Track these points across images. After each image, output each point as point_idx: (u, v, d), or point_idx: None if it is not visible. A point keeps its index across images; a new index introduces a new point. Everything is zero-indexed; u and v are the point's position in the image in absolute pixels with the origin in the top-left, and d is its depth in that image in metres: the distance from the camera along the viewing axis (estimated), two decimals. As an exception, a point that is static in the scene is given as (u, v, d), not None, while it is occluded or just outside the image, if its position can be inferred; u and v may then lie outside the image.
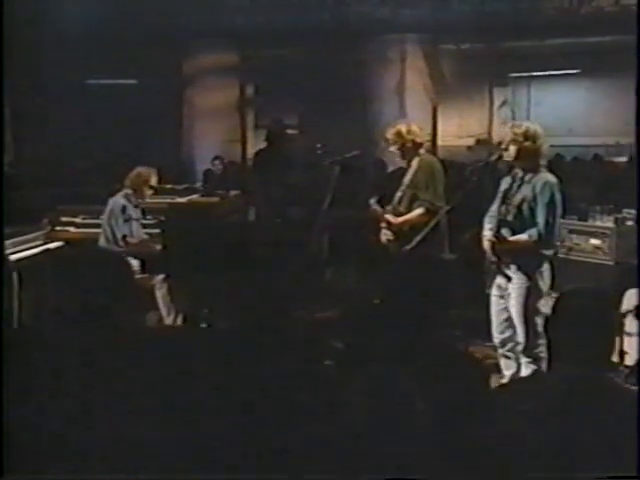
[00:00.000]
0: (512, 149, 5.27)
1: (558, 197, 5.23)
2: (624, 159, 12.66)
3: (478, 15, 13.01)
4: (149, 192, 7.30)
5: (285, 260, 7.10)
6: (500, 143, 5.40)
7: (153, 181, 7.27)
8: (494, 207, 5.47)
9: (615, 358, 5.80)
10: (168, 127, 13.63)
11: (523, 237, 5.19)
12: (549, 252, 5.25)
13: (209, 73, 13.54)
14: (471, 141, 14.73)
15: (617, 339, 5.86)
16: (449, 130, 14.43)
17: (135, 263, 7.06)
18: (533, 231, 5.17)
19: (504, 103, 15.02)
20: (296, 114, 13.94)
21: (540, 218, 5.19)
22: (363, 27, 13.10)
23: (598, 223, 6.64)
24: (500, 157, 5.37)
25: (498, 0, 13.07)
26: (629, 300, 5.92)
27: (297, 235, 6.80)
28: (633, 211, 6.65)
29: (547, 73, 14.42)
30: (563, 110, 12.53)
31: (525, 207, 5.23)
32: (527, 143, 5.25)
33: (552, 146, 8.43)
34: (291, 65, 13.69)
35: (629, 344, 5.85)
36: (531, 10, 12.94)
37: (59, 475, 2.59)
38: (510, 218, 5.24)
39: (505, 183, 5.41)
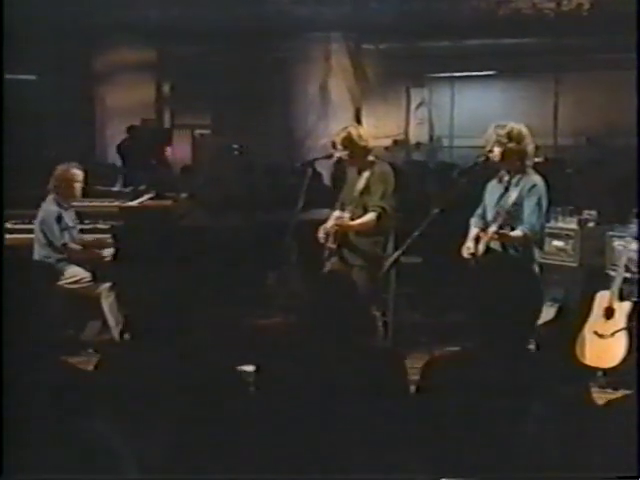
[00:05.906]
0: (497, 151, 5.17)
1: (544, 199, 5.17)
2: (541, 159, 12.84)
3: (395, 15, 12.93)
4: (78, 191, 6.81)
5: (254, 265, 6.84)
6: (487, 145, 5.24)
7: (79, 178, 6.79)
8: (480, 210, 5.39)
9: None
10: (81, 126, 13.02)
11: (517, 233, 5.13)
12: (539, 253, 5.18)
13: (122, 70, 13.01)
14: (388, 142, 14.60)
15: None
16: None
17: (79, 271, 6.63)
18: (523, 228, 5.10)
19: (421, 104, 15.00)
20: (214, 114, 13.57)
21: (526, 218, 5.12)
22: (281, 25, 12.85)
23: (560, 224, 6.58)
24: (487, 159, 5.23)
25: (416, 0, 13.05)
26: (600, 302, 5.91)
27: (262, 239, 6.53)
28: (594, 212, 6.66)
29: (466, 74, 14.45)
30: (482, 111, 12.53)
31: (513, 210, 5.14)
32: (511, 144, 5.15)
33: (472, 147, 8.40)
34: (209, 63, 13.30)
35: (602, 347, 5.83)
36: (449, 11, 12.95)
37: (59, 475, 2.50)
38: (501, 222, 5.12)
39: (492, 187, 5.31)
